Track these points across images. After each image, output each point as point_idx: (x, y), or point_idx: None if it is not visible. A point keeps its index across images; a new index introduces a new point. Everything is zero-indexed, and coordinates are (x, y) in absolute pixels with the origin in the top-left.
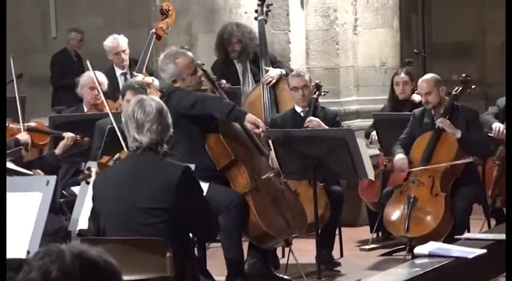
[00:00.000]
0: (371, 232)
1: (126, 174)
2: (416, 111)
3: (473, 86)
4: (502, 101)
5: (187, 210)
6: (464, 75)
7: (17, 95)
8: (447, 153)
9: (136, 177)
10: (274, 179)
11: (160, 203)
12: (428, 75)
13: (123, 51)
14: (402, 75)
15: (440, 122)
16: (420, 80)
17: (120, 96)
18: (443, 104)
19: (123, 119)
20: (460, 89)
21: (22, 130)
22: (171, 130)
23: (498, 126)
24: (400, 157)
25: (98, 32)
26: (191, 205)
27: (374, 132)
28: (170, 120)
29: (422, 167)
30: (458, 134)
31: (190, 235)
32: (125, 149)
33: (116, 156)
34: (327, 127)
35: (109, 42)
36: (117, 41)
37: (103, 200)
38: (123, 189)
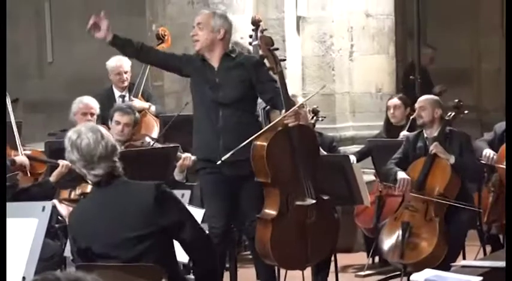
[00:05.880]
0: (367, 257)
1: (101, 209)
2: (410, 134)
3: (466, 111)
4: (499, 126)
5: (172, 226)
6: (456, 100)
7: (13, 120)
8: (441, 178)
9: (112, 209)
10: (308, 207)
11: (144, 229)
12: (430, 95)
13: (125, 72)
14: (394, 99)
15: (433, 148)
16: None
17: (109, 119)
18: (435, 127)
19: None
20: (452, 114)
21: (20, 154)
22: (118, 147)
23: (489, 153)
24: (404, 176)
25: (93, 58)
26: (175, 218)
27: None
28: (111, 138)
29: (422, 196)
30: (452, 159)
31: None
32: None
33: (79, 191)
34: (325, 153)
35: (113, 61)
36: (121, 62)
37: (85, 239)
38: (103, 225)
